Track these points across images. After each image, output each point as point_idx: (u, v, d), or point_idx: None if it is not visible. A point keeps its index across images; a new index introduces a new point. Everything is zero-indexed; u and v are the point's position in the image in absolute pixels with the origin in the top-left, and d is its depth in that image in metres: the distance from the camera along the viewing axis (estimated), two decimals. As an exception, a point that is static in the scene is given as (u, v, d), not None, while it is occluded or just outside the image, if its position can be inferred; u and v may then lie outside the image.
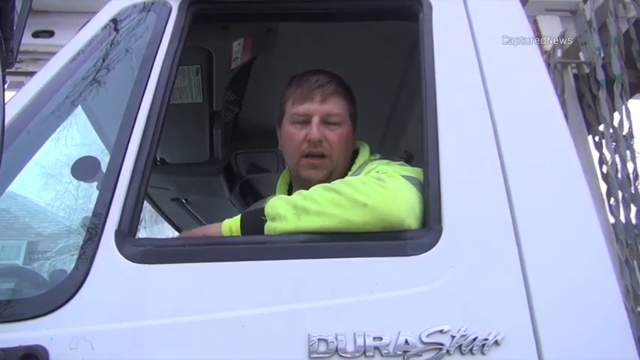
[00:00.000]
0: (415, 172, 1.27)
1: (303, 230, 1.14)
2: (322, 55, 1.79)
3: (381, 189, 1.14)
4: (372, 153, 1.54)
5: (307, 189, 1.20)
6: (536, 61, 1.31)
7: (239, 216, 1.30)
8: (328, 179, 1.38)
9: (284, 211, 1.17)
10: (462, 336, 1.01)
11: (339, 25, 1.70)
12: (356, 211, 1.11)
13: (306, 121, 1.44)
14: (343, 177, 1.41)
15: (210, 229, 1.33)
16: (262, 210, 1.24)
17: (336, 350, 1.00)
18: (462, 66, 1.29)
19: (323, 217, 1.13)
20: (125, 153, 1.15)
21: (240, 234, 1.27)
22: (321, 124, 1.43)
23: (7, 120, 1.10)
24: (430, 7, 1.35)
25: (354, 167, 1.46)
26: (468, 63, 1.28)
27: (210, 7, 1.42)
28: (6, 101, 1.21)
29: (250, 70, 2.07)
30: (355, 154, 1.52)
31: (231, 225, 1.28)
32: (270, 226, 1.19)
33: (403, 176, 1.21)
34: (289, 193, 1.56)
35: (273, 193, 1.64)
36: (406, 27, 1.43)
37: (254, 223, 1.25)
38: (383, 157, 1.51)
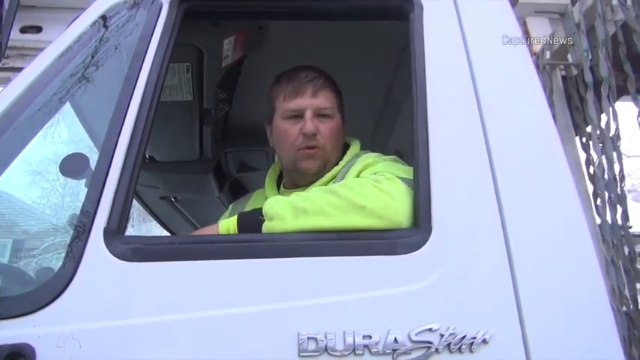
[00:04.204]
0: (411, 172, 1.28)
1: (301, 230, 1.15)
2: (313, 53, 1.79)
3: (378, 191, 1.15)
4: (362, 149, 1.55)
5: (300, 181, 1.19)
6: (525, 61, 1.32)
7: (235, 216, 1.30)
8: (323, 169, 1.43)
9: (282, 211, 1.18)
10: (451, 334, 1.01)
11: (330, 23, 1.70)
12: (354, 213, 1.13)
13: (299, 115, 1.45)
14: (335, 168, 1.44)
15: (206, 231, 1.34)
16: (260, 210, 1.24)
17: (326, 349, 1.00)
18: (452, 66, 1.29)
19: (321, 218, 1.14)
20: (114, 150, 1.14)
21: (237, 233, 1.27)
22: (313, 118, 1.44)
23: (-6, 116, 1.09)
24: (421, 7, 1.36)
25: (346, 158, 1.48)
26: (458, 63, 1.29)
27: (201, 5, 1.41)
28: (-7, 97, 1.21)
29: (241, 68, 2.06)
30: (346, 148, 1.53)
31: (229, 225, 1.28)
32: (268, 226, 1.20)
33: (400, 178, 1.21)
34: (279, 185, 1.59)
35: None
36: (397, 27, 1.44)
37: (251, 223, 1.25)
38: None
